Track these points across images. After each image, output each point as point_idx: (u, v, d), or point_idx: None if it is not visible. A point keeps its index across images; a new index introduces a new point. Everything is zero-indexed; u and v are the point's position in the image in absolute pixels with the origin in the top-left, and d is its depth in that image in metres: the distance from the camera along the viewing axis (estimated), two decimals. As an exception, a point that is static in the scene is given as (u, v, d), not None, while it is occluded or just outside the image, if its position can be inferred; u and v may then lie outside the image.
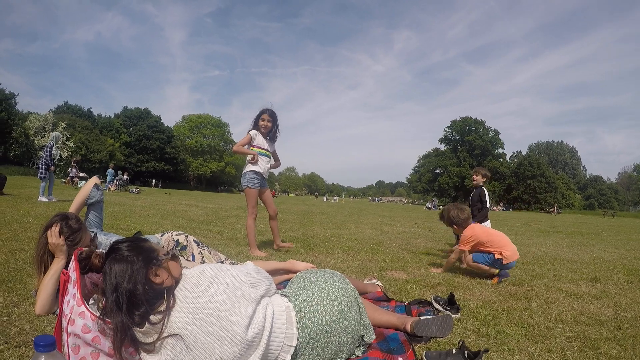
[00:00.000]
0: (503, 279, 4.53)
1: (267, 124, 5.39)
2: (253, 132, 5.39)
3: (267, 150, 5.49)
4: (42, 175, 11.86)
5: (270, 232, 6.09)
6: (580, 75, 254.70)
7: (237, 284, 1.87)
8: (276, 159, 5.79)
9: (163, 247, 3.24)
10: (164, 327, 1.72)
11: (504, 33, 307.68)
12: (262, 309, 1.89)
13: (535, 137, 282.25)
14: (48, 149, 12.08)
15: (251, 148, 5.37)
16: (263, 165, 5.42)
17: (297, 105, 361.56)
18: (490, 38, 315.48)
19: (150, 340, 1.71)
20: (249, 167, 5.36)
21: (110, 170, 26.80)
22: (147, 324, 1.71)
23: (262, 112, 5.40)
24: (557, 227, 18.04)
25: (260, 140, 5.42)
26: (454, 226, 5.02)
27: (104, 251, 1.95)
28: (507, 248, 4.66)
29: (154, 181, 59.77)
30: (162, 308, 1.76)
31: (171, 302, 1.77)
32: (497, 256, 4.61)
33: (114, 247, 1.87)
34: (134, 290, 1.74)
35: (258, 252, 5.34)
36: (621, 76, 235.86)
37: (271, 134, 5.55)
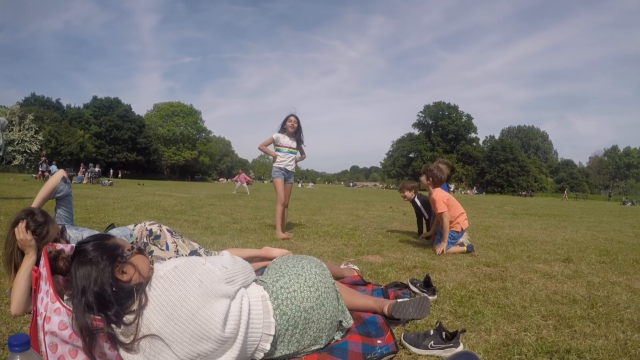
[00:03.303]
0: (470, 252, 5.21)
1: (294, 124, 6.36)
2: (275, 135, 6.36)
3: (291, 147, 6.46)
4: None
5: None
6: (554, 62, 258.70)
7: (211, 281, 1.81)
8: (302, 153, 6.80)
9: (135, 239, 3.20)
10: (138, 327, 1.67)
11: (479, 19, 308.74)
12: (237, 303, 1.85)
13: (509, 122, 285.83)
14: None
15: (277, 148, 6.40)
16: (287, 161, 6.42)
17: (270, 91, 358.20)
18: (465, 24, 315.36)
19: (127, 340, 1.67)
20: (275, 164, 6.43)
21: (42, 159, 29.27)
22: (122, 326, 1.67)
23: (289, 115, 6.38)
24: (530, 209, 18.37)
25: (285, 141, 6.39)
26: (428, 181, 5.43)
27: (73, 246, 1.90)
28: (461, 209, 5.40)
29: (111, 171, 58.24)
30: (134, 307, 1.72)
31: (143, 300, 1.72)
32: (460, 228, 5.28)
33: (78, 249, 1.82)
34: (101, 292, 1.69)
35: (281, 234, 5.99)
36: (594, 63, 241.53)
37: (297, 135, 6.51)
